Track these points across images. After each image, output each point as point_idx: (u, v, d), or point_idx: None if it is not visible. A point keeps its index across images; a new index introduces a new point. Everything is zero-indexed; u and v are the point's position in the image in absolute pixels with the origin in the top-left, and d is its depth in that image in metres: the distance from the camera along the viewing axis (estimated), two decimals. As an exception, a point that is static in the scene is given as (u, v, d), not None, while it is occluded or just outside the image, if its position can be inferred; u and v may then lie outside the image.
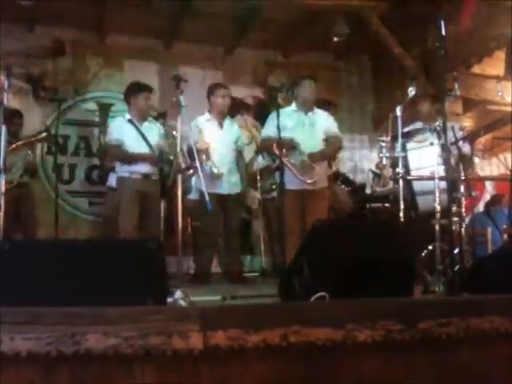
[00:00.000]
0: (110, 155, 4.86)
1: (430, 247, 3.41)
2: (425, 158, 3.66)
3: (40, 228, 4.93)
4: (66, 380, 2.23)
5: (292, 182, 4.15)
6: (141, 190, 4.33)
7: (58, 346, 2.14)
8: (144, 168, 4.35)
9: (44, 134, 4.74)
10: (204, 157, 4.29)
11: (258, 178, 5.22)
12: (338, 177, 5.14)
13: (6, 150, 3.68)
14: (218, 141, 4.57)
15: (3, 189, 3.51)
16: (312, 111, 4.44)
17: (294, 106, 4.49)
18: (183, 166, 3.58)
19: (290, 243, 4.16)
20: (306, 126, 4.37)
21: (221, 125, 4.69)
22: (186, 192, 4.48)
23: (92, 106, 6.12)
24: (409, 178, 3.71)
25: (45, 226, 4.90)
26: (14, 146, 4.29)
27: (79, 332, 2.17)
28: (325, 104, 4.90)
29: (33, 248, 2.99)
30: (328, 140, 4.41)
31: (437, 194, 3.36)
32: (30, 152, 4.70)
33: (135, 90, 4.50)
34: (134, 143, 4.40)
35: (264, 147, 4.60)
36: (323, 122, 4.44)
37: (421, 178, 3.74)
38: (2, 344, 2.09)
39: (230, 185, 4.59)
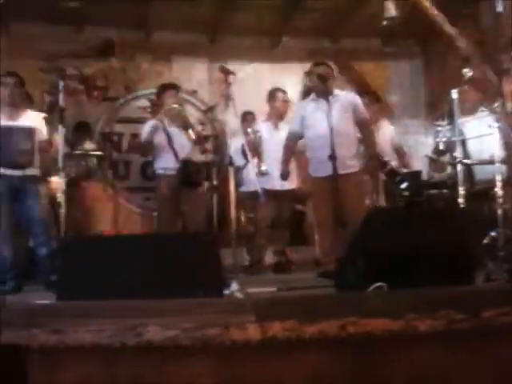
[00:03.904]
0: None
1: (492, 233, 3.29)
2: (485, 127, 3.51)
3: (98, 224, 5.06)
4: (127, 371, 2.28)
5: (319, 169, 4.04)
6: (175, 184, 4.45)
7: (120, 337, 2.19)
8: (176, 163, 4.52)
9: (98, 153, 4.96)
10: (254, 155, 4.37)
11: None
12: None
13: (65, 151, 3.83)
14: (271, 141, 4.74)
15: (63, 187, 3.64)
16: (332, 95, 4.09)
17: (312, 96, 4.30)
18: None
19: (320, 233, 4.10)
20: (326, 112, 4.15)
21: (276, 126, 4.86)
22: (238, 184, 4.54)
23: (144, 102, 6.23)
24: (467, 162, 3.58)
25: (103, 221, 5.03)
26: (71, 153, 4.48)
27: (140, 324, 2.22)
28: (363, 94, 4.77)
29: (93, 244, 3.08)
30: (360, 128, 4.19)
31: (498, 179, 3.24)
32: (83, 162, 4.91)
33: (161, 89, 4.76)
34: (161, 142, 4.61)
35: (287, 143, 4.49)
36: (343, 103, 4.13)
37: (480, 163, 3.62)
38: (65, 336, 2.16)
39: (283, 181, 4.67)
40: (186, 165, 4.49)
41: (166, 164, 4.56)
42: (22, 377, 2.21)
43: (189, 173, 4.49)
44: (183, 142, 4.62)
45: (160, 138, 4.60)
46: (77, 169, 4.81)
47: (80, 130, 5.18)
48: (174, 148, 4.54)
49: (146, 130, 4.69)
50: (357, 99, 4.25)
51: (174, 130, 4.64)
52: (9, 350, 2.18)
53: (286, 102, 4.95)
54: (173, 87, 4.73)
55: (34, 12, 5.35)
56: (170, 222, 4.52)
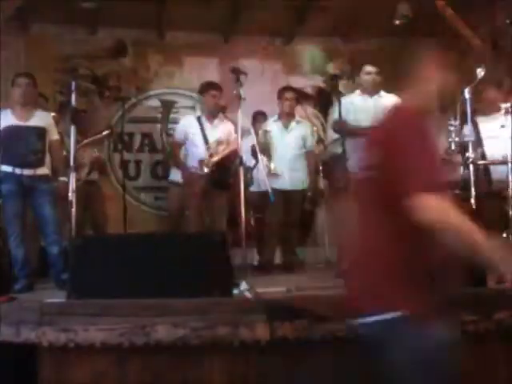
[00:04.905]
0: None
1: (504, 234, 3.25)
2: (497, 125, 3.50)
3: (109, 223, 5.08)
4: (138, 369, 2.29)
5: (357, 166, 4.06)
6: (205, 184, 4.44)
7: (129, 337, 2.20)
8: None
9: (107, 132, 4.94)
10: (264, 155, 4.39)
11: (321, 167, 5.19)
12: None
13: (75, 148, 3.85)
14: (281, 141, 4.74)
15: (74, 186, 3.66)
16: (378, 94, 4.39)
17: (357, 92, 4.50)
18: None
19: None
20: (371, 109, 4.25)
21: (286, 126, 4.82)
22: (247, 185, 4.52)
23: (154, 102, 6.25)
24: (480, 162, 3.54)
25: (113, 221, 5.05)
26: (81, 144, 4.45)
27: (149, 323, 2.22)
28: None
29: (103, 243, 3.10)
30: None
31: (510, 179, 3.20)
32: (95, 150, 4.88)
33: (203, 88, 4.70)
34: (196, 140, 4.55)
35: (337, 128, 4.51)
36: (389, 105, 4.30)
37: (492, 163, 3.58)
38: (76, 335, 2.17)
39: (293, 181, 4.71)
40: (222, 166, 4.45)
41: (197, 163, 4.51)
42: (33, 375, 2.22)
43: (223, 174, 4.45)
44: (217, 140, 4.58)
45: (195, 136, 4.57)
46: (90, 161, 4.79)
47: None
48: (209, 147, 4.51)
49: (180, 128, 4.73)
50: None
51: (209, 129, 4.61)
52: (19, 348, 2.20)
53: (293, 100, 4.84)
54: (215, 87, 4.70)
55: (51, 13, 5.40)
56: (197, 221, 4.50)
